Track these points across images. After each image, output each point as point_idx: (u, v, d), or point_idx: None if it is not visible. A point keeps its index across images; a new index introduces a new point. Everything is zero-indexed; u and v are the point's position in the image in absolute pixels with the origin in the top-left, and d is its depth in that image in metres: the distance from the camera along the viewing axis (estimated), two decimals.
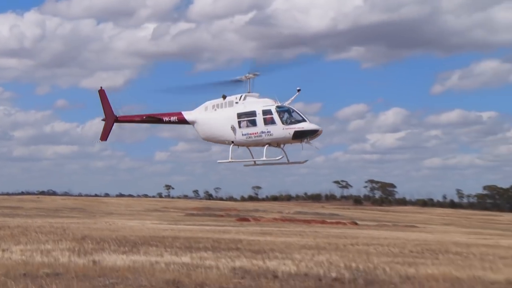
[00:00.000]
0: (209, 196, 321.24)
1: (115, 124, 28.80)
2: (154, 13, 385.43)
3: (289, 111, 24.73)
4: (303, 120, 24.53)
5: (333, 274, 40.02)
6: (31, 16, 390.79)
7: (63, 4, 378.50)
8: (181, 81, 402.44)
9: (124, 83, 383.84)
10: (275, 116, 24.64)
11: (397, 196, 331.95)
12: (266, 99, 25.56)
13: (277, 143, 25.31)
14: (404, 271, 43.12)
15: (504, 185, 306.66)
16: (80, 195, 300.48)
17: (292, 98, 25.06)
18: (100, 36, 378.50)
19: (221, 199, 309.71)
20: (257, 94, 25.68)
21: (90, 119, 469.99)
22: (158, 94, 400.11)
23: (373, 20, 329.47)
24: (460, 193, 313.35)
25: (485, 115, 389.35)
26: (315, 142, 25.65)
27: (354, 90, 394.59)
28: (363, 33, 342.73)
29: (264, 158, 25.75)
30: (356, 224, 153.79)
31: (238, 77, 26.19)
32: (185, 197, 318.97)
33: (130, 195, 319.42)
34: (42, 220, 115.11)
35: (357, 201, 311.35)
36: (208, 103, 26.55)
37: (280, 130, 24.59)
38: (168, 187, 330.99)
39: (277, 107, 24.77)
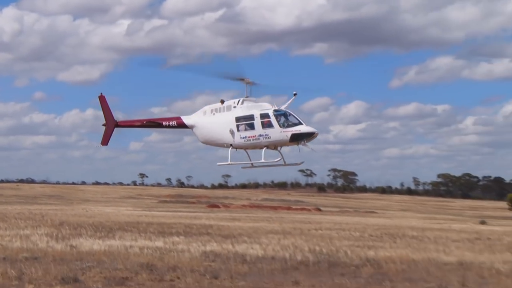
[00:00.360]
0: (181, 184, 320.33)
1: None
2: (129, 10, 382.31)
3: (285, 114, 24.53)
4: (300, 123, 24.37)
5: (298, 257, 40.18)
6: (10, 11, 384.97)
7: (40, 1, 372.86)
8: (155, 75, 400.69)
9: (100, 77, 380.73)
10: (273, 120, 24.42)
11: (358, 184, 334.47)
12: (264, 103, 25.29)
13: (274, 145, 25.14)
14: (364, 254, 43.43)
15: (457, 173, 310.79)
16: (57, 183, 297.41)
17: (289, 102, 24.89)
18: (77, 32, 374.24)
19: (192, 186, 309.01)
20: (254, 99, 25.45)
21: (67, 110, 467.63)
22: (132, 87, 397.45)
23: (336, 18, 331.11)
24: (416, 181, 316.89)
25: (440, 108, 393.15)
26: (311, 144, 25.48)
27: (318, 84, 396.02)
28: (326, 30, 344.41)
29: (262, 160, 25.60)
30: (319, 210, 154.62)
31: (241, 77, 25.86)
32: (159, 185, 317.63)
33: (106, 183, 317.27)
34: (21, 207, 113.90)
35: (320, 188, 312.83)
36: (207, 108, 26.21)
37: (277, 133, 24.37)
38: (142, 175, 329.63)
39: (274, 110, 24.55)
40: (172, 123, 26.84)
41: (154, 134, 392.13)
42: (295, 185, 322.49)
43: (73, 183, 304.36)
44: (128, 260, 35.29)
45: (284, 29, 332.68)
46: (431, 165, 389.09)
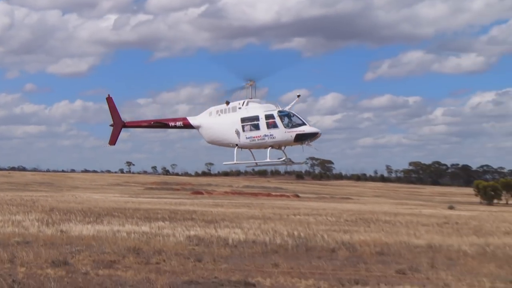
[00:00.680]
0: (166, 172, 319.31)
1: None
2: (115, 5, 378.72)
3: (290, 115, 24.19)
4: (303, 124, 24.08)
5: (278, 241, 40.29)
6: (0, 6, 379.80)
7: None
8: (141, 68, 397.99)
9: (88, 69, 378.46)
10: (277, 120, 24.06)
11: (334, 172, 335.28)
12: (268, 104, 24.90)
13: (279, 145, 24.89)
14: (340, 237, 43.65)
15: (427, 161, 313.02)
16: (48, 171, 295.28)
17: (293, 103, 24.56)
18: (65, 26, 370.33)
19: (177, 174, 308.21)
20: (258, 100, 25.06)
21: (56, 101, 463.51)
22: (119, 80, 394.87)
23: (313, 14, 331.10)
24: (389, 169, 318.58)
25: (411, 99, 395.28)
26: (314, 143, 25.27)
27: (296, 76, 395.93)
28: (304, 25, 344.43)
29: (268, 160, 25.36)
30: (298, 196, 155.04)
31: (242, 85, 25.52)
32: (145, 172, 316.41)
33: (94, 171, 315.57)
34: (13, 194, 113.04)
35: (299, 176, 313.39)
36: (212, 109, 25.74)
37: (282, 133, 24.04)
38: (129, 163, 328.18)
39: (279, 111, 24.20)
40: (178, 123, 26.38)
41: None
42: (275, 173, 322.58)
43: (63, 171, 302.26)
44: (116, 244, 35.19)
45: (264, 24, 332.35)
46: (403, 153, 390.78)
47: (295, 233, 45.64)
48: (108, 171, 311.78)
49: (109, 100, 26.27)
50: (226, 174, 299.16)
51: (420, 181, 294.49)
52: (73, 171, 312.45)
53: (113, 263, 28.00)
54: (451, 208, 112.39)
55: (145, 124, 27.60)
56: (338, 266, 30.94)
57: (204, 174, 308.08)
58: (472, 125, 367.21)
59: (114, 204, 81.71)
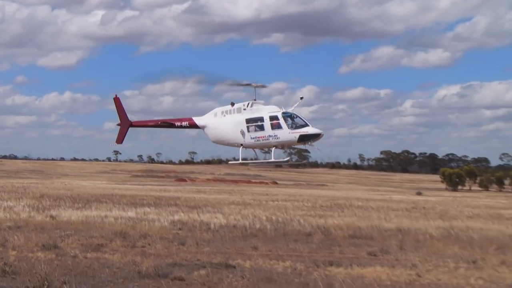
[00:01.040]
0: (151, 160, 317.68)
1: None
2: (103, 2, 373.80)
3: (293, 116, 23.95)
4: (306, 125, 23.83)
5: (257, 226, 40.36)
6: None
7: None
8: (127, 61, 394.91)
9: (77, 63, 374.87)
10: (281, 122, 23.76)
11: (310, 160, 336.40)
12: (272, 106, 24.59)
13: (282, 145, 24.67)
14: (316, 222, 43.83)
15: (397, 150, 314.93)
16: (38, 159, 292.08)
17: (296, 105, 24.30)
18: (55, 21, 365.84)
19: (162, 162, 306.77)
20: (262, 102, 24.75)
21: (46, 93, 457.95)
22: (106, 72, 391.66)
23: (291, 11, 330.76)
24: (361, 157, 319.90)
25: (382, 92, 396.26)
26: (317, 144, 25.10)
27: (275, 70, 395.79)
28: (282, 22, 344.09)
29: (272, 159, 25.17)
30: (276, 183, 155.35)
31: (247, 82, 25.17)
32: (131, 161, 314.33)
33: (83, 159, 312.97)
34: (5, 181, 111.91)
35: (277, 164, 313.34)
36: (217, 110, 25.35)
37: (286, 134, 23.77)
38: (116, 152, 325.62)
39: (283, 113, 23.91)
40: (184, 123, 25.97)
41: (127, 115, 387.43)
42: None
43: (53, 159, 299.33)
44: (103, 228, 35.01)
45: (245, 21, 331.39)
46: (375, 143, 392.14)
47: (273, 218, 45.75)
48: (96, 160, 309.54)
49: (117, 100, 25.80)
50: (208, 162, 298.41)
51: (391, 168, 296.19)
52: (62, 159, 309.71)
53: (101, 247, 27.86)
54: (419, 194, 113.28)
55: (152, 123, 27.13)
56: (314, 249, 31.06)
57: (188, 162, 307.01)
58: (438, 116, 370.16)
59: (102, 191, 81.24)
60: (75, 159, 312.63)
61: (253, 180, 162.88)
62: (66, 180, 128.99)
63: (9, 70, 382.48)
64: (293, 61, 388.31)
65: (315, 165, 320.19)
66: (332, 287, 18.59)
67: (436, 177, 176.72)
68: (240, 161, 25.04)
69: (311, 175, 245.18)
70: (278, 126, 23.74)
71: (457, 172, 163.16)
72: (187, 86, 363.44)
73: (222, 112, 24.86)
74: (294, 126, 23.72)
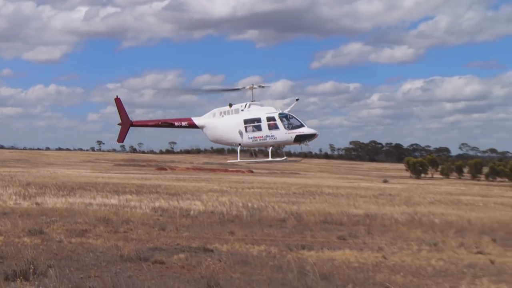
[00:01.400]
0: (133, 150, 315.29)
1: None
2: None
3: (289, 117, 23.73)
4: (302, 125, 23.66)
5: (234, 212, 40.38)
6: None
7: None
8: (110, 55, 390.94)
9: (61, 57, 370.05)
10: (278, 122, 23.54)
11: (284, 149, 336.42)
12: (269, 107, 24.33)
13: (279, 145, 24.45)
14: (289, 208, 43.99)
15: (365, 140, 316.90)
16: (24, 148, 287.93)
17: (292, 106, 24.07)
18: (40, 16, 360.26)
19: (143, 152, 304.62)
20: (259, 103, 24.46)
21: (32, 85, 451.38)
22: (90, 66, 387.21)
23: (265, 9, 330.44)
24: (332, 147, 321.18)
25: (351, 86, 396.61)
26: (310, 143, 24.96)
27: (250, 64, 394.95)
28: (257, 19, 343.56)
29: (270, 158, 24.94)
30: (252, 172, 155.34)
31: (241, 87, 24.86)
32: (114, 150, 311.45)
33: (68, 149, 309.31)
34: None
35: (252, 153, 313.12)
36: (216, 110, 25.01)
37: (283, 134, 23.55)
38: (99, 142, 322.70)
39: (280, 114, 23.69)
40: (184, 123, 25.56)
41: (109, 107, 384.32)
42: (231, 151, 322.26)
43: (38, 149, 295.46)
44: (87, 215, 34.73)
45: (222, 17, 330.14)
46: (344, 133, 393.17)
47: (249, 204, 45.80)
48: (81, 149, 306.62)
49: (117, 100, 25.32)
50: (187, 152, 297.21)
51: (359, 158, 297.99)
52: (48, 149, 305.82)
53: (85, 232, 27.64)
54: (385, 181, 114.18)
55: (152, 123, 26.71)
56: (287, 234, 31.19)
57: (168, 152, 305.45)
58: (403, 108, 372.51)
59: (86, 179, 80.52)
60: (60, 149, 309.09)
61: (230, 169, 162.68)
62: (51, 169, 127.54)
63: None
64: (268, 56, 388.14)
65: (288, 154, 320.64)
66: (304, 269, 18.69)
67: (401, 166, 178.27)
68: (239, 160, 24.85)
69: (284, 164, 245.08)
70: (275, 127, 23.59)
71: (421, 161, 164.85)
72: (167, 80, 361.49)
73: (221, 113, 24.58)
74: (290, 126, 23.60)
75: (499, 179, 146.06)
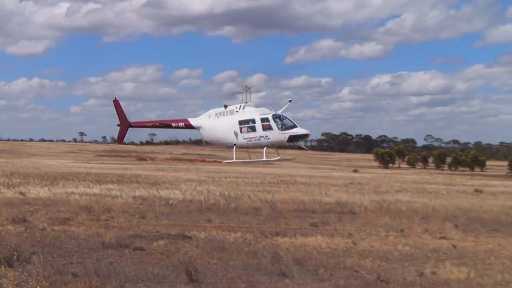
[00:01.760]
0: (114, 141, 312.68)
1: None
2: None
3: (282, 118, 23.53)
4: (295, 126, 23.48)
5: (211, 201, 40.33)
6: None
7: None
8: (92, 50, 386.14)
9: (44, 51, 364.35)
10: (272, 123, 23.32)
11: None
12: (263, 108, 24.10)
13: (273, 145, 24.27)
14: (264, 197, 44.07)
15: (336, 132, 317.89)
16: (8, 140, 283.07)
17: (285, 107, 23.87)
18: (23, 12, 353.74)
19: (124, 143, 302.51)
20: (253, 104, 24.21)
21: (15, 79, 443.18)
22: (72, 60, 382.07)
23: (241, 6, 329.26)
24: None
25: (323, 80, 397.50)
26: (301, 142, 24.85)
27: (227, 59, 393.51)
28: (233, 16, 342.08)
29: (264, 158, 24.75)
30: (229, 162, 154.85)
31: (236, 90, 24.60)
32: (95, 141, 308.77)
33: (51, 140, 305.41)
34: None
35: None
36: (211, 111, 24.71)
37: (277, 135, 23.35)
38: (81, 134, 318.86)
39: (273, 115, 23.49)
40: (180, 124, 25.27)
41: (91, 100, 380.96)
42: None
43: (22, 140, 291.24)
44: (70, 204, 34.39)
45: (199, 14, 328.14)
46: (316, 126, 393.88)
47: (226, 193, 45.79)
48: (63, 140, 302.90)
49: (116, 102, 24.91)
50: (167, 143, 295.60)
51: (330, 149, 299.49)
52: (31, 140, 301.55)
53: (67, 220, 27.38)
54: (355, 171, 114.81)
55: (150, 124, 26.39)
56: (262, 221, 31.27)
57: (148, 143, 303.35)
58: (372, 102, 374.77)
59: (68, 169, 79.61)
60: (43, 140, 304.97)
61: (208, 159, 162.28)
62: (34, 159, 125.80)
63: None
64: (244, 52, 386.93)
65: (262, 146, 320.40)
66: (278, 255, 18.77)
67: (370, 156, 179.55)
68: (234, 160, 24.70)
69: (259, 154, 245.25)
70: (269, 128, 23.45)
71: (388, 151, 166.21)
72: (147, 73, 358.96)
73: (216, 114, 24.38)
74: (284, 127, 23.48)
75: (461, 168, 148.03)
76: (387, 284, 15.86)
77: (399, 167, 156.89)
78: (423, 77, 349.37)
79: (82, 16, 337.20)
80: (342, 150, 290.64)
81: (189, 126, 25.13)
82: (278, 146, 24.50)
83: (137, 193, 42.97)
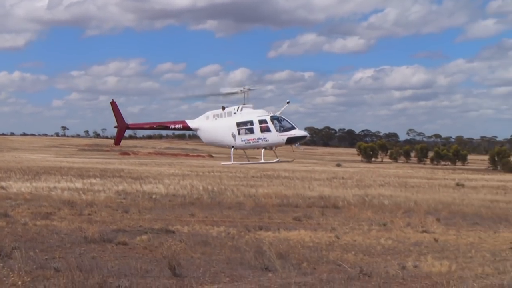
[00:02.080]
0: (97, 135, 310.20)
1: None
2: None
3: (280, 120, 23.40)
4: (293, 128, 23.38)
5: (195, 195, 40.27)
6: None
7: None
8: (74, 43, 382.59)
9: (25, 44, 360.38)
10: (270, 125, 23.18)
11: None
12: (261, 110, 23.95)
13: (271, 147, 24.14)
14: (247, 191, 44.10)
15: (319, 126, 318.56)
16: None
17: (283, 108, 23.70)
18: (3, 4, 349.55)
19: (106, 137, 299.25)
20: (251, 106, 24.04)
21: None
22: (54, 54, 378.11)
23: (224, 0, 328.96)
24: None
25: (306, 74, 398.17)
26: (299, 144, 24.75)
27: (210, 53, 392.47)
28: (216, 10, 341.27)
29: (262, 160, 24.63)
30: (212, 156, 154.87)
31: (234, 90, 24.36)
32: (78, 136, 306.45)
33: (32, 134, 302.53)
34: None
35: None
36: (209, 113, 24.51)
37: (275, 136, 23.22)
38: (63, 128, 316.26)
39: (271, 117, 23.33)
40: (178, 126, 25.05)
41: (74, 94, 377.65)
42: (192, 136, 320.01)
43: (3, 134, 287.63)
44: (52, 198, 34.12)
45: (182, 8, 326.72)
46: (300, 120, 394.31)
47: (209, 187, 45.73)
48: (45, 135, 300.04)
49: (113, 104, 24.68)
50: (150, 137, 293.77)
51: (314, 143, 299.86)
52: (12, 134, 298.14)
53: (50, 215, 27.16)
54: (338, 165, 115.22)
55: (148, 126, 26.19)
56: (245, 215, 31.30)
57: (131, 137, 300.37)
58: (355, 96, 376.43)
59: (51, 164, 78.93)
60: (24, 134, 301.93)
61: (191, 154, 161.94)
62: (16, 154, 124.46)
63: None
64: (227, 46, 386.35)
65: None
66: (261, 249, 18.80)
67: (353, 151, 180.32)
68: (232, 162, 24.60)
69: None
70: (267, 129, 23.35)
71: (371, 146, 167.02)
72: (129, 67, 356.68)
73: (214, 116, 24.26)
74: (282, 129, 23.41)
75: (443, 162, 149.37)
76: (369, 277, 15.97)
77: (381, 162, 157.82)
78: (406, 72, 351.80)
79: (64, 9, 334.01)
80: (325, 145, 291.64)
81: (186, 128, 25.05)
82: (276, 147, 24.40)
83: (120, 188, 42.75)
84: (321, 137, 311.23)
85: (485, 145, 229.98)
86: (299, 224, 28.55)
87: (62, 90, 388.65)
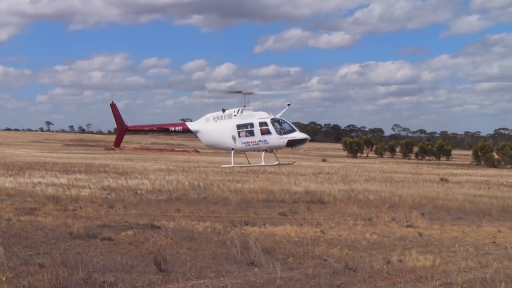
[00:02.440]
0: (82, 130, 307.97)
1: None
2: None
3: (281, 122, 23.23)
4: (294, 130, 23.21)
5: (180, 190, 40.18)
6: None
7: None
8: (58, 38, 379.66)
9: (8, 38, 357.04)
10: (271, 127, 22.97)
11: None
12: (261, 112, 23.74)
13: (271, 149, 23.98)
14: (233, 186, 44.08)
15: (305, 121, 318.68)
16: None
17: (283, 111, 23.53)
18: None
19: (92, 132, 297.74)
20: (252, 108, 23.84)
21: None
22: (38, 48, 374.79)
23: None
24: None
25: (292, 69, 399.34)
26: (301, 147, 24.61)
27: (196, 48, 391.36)
28: (202, 4, 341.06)
29: (262, 163, 24.48)
30: (198, 152, 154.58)
31: (237, 90, 24.17)
32: (63, 131, 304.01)
33: (16, 129, 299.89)
34: None
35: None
36: (209, 115, 24.27)
37: (275, 139, 23.03)
38: (48, 123, 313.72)
39: (272, 119, 23.15)
40: (178, 128, 24.83)
41: (58, 89, 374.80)
42: (178, 131, 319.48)
43: None
44: (36, 194, 33.85)
45: (168, 2, 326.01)
46: (286, 115, 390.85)
47: (195, 183, 45.64)
48: (29, 130, 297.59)
49: (113, 106, 24.43)
50: (135, 132, 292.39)
51: None
52: None
53: (34, 210, 26.95)
54: (324, 160, 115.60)
55: (148, 128, 25.94)
56: (231, 210, 31.29)
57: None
58: (341, 91, 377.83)
59: (35, 159, 78.25)
60: (8, 129, 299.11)
61: (177, 149, 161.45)
62: (0, 149, 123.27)
63: None
64: (212, 41, 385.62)
65: None
66: (247, 244, 18.82)
67: (339, 146, 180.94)
68: (232, 164, 24.49)
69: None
70: (268, 132, 23.22)
71: (357, 141, 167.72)
72: (114, 62, 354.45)
73: (214, 118, 24.11)
74: (283, 131, 23.30)
75: (427, 157, 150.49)
76: (354, 272, 16.06)
77: (367, 157, 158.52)
78: (391, 67, 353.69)
79: (48, 3, 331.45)
80: (311, 140, 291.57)
81: (186, 130, 24.91)
82: (276, 149, 24.32)
83: (106, 183, 42.51)
84: (307, 132, 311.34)
85: (469, 140, 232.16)
86: (285, 219, 28.61)
87: (46, 85, 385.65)
